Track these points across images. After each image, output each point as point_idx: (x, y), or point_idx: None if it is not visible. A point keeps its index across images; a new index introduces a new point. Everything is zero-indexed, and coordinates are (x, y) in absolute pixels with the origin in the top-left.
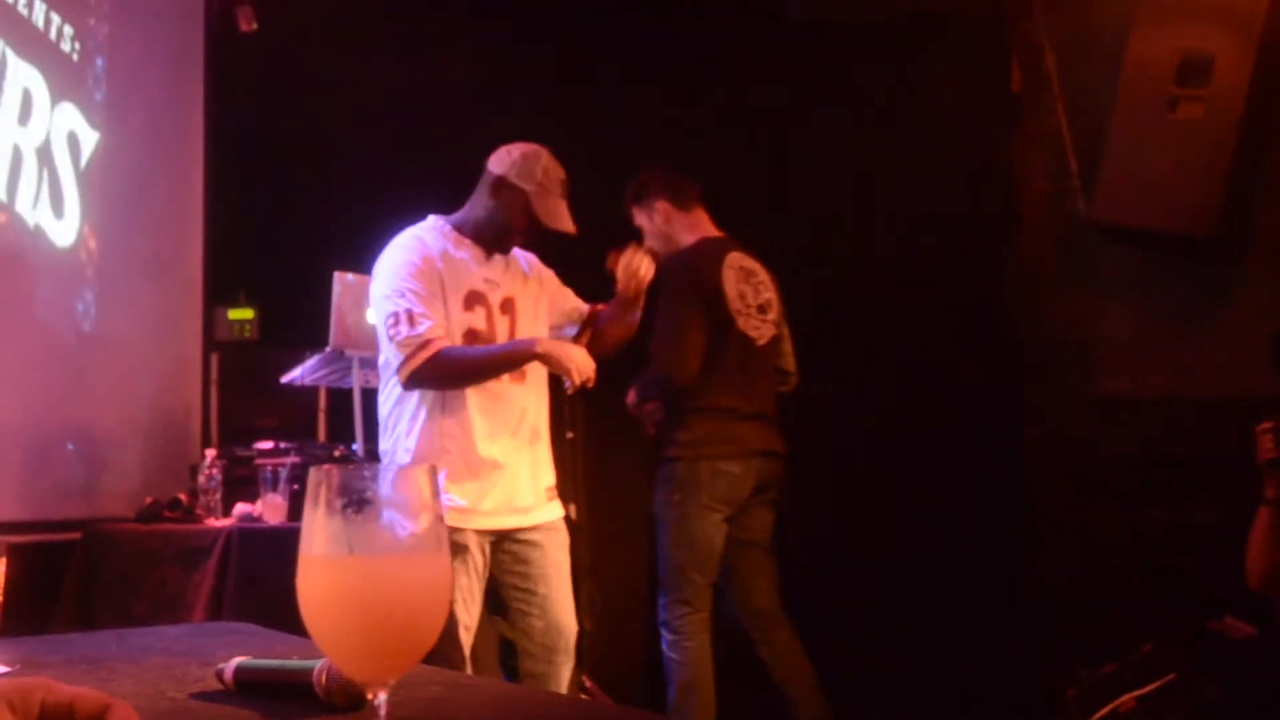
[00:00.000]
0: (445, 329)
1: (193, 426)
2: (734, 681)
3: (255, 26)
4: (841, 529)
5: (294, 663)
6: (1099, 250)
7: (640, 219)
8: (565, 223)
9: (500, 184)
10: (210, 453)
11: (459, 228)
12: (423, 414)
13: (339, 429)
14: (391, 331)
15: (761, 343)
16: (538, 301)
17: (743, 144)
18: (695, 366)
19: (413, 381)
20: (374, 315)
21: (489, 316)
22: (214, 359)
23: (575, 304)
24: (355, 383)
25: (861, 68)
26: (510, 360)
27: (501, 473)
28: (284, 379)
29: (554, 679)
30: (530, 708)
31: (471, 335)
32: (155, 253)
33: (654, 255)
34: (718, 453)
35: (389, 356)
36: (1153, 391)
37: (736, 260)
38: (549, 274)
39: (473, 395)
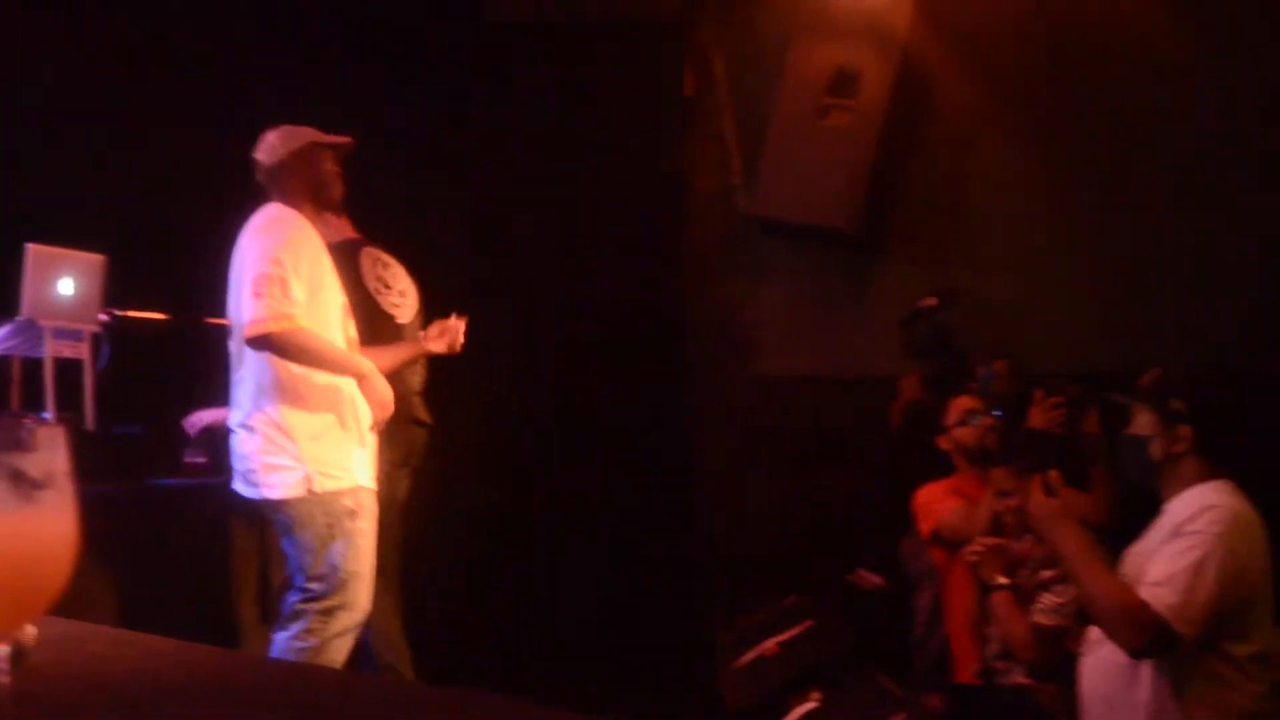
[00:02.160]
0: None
1: None
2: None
3: None
4: (524, 497)
5: None
6: (758, 241)
7: None
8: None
9: (282, 167)
10: None
11: (307, 217)
12: (313, 384)
13: (32, 397)
14: (260, 289)
15: (403, 321)
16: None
17: (430, 137)
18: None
19: (259, 343)
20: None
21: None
22: None
23: None
24: (47, 352)
25: (548, 68)
26: (345, 371)
27: (369, 445)
28: None
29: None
30: (189, 661)
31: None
32: None
33: None
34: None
35: (247, 313)
36: (803, 369)
37: (372, 253)
38: None
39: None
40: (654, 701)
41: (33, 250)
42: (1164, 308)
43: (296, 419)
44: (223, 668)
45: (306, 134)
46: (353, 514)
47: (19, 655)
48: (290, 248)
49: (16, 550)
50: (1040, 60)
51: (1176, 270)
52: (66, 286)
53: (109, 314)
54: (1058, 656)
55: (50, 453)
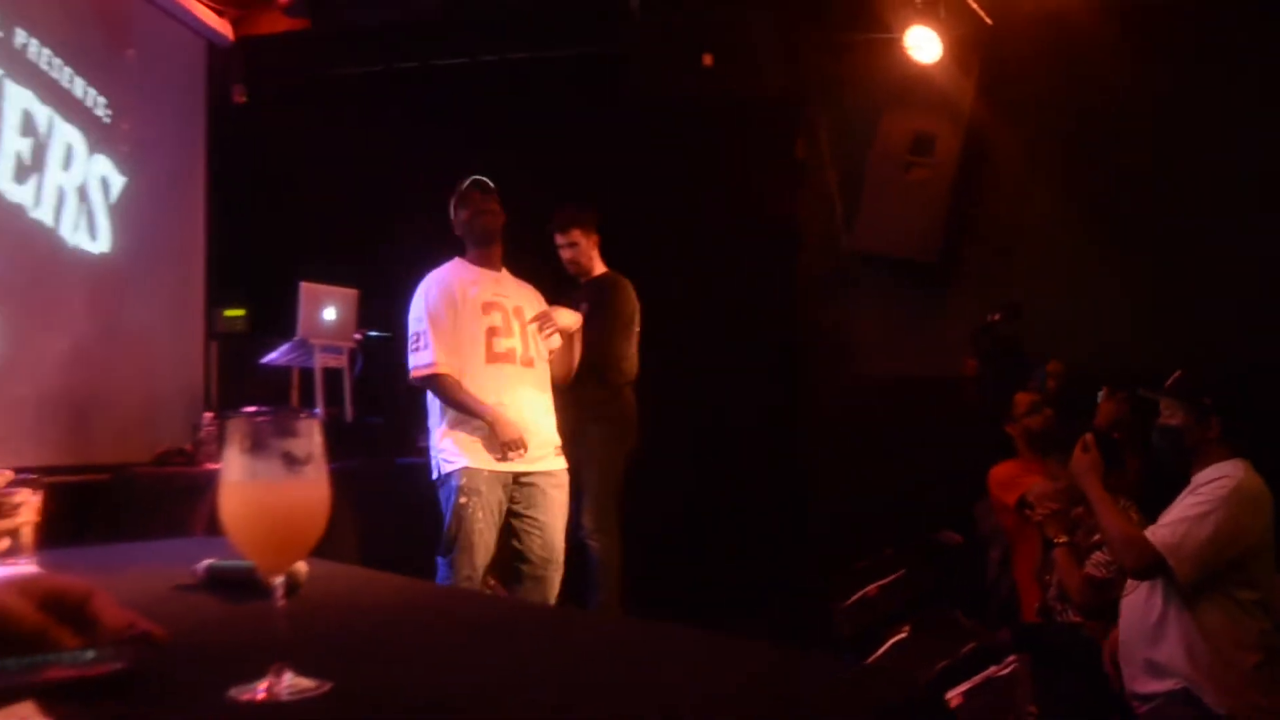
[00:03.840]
0: (449, 361)
1: (195, 396)
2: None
3: (245, 99)
4: (685, 478)
5: (246, 562)
6: (858, 271)
7: (577, 238)
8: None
9: (453, 208)
10: (208, 415)
11: (468, 260)
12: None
13: (306, 397)
14: (413, 346)
15: None
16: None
17: (589, 198)
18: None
19: (417, 384)
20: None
21: (505, 318)
22: (214, 347)
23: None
24: (316, 364)
25: (687, 138)
26: (473, 414)
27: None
28: (261, 360)
29: (549, 584)
30: (413, 592)
31: (491, 332)
32: (167, 267)
33: (576, 267)
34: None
35: (410, 362)
36: (892, 372)
37: None
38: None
39: (493, 381)
40: (781, 632)
41: (305, 287)
42: (1182, 319)
43: (431, 421)
44: (436, 598)
45: (461, 184)
46: (463, 490)
47: (293, 586)
48: (432, 305)
49: (285, 509)
50: (1077, 122)
51: (1188, 290)
52: (330, 313)
53: (362, 334)
54: (1104, 600)
55: (309, 438)
